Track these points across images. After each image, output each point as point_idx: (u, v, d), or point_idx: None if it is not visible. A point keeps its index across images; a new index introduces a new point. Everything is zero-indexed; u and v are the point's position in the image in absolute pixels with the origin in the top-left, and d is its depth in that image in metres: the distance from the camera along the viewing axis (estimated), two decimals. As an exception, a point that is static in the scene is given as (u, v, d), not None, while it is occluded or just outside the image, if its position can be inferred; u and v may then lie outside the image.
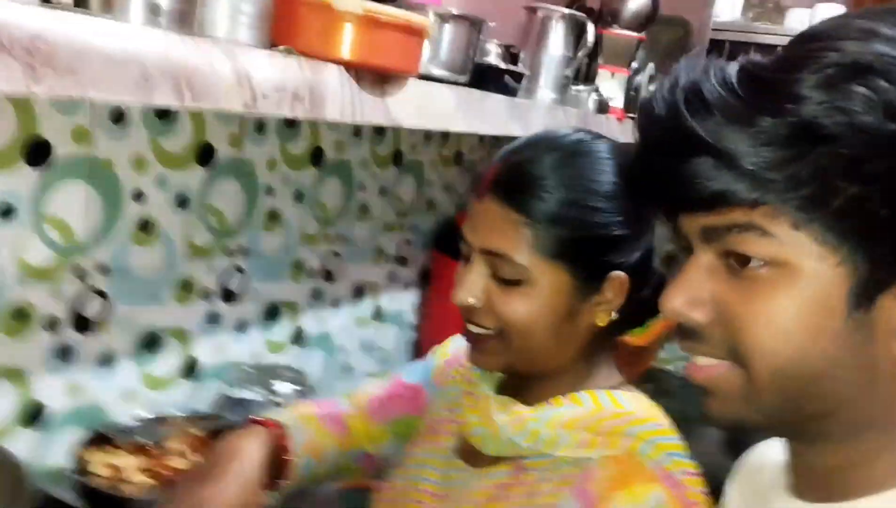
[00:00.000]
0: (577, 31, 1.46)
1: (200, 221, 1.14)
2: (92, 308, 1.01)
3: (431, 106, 1.07)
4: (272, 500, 0.79)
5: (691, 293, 0.49)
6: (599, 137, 0.76)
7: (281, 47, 0.84)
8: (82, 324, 1.01)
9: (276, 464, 0.78)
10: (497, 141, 1.12)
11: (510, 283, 0.69)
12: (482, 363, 0.74)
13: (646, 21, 1.70)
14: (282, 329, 1.34)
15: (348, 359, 1.52)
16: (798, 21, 1.74)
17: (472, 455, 0.76)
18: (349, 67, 0.87)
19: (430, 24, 0.96)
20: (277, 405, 1.17)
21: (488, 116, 1.22)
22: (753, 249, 0.46)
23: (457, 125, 1.14)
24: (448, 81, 1.14)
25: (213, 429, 0.99)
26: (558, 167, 0.70)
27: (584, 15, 1.47)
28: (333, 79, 0.86)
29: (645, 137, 0.51)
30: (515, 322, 0.69)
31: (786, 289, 0.46)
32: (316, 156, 1.32)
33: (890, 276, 0.45)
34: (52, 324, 0.97)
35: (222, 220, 1.17)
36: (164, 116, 1.04)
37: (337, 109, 0.88)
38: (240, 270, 1.23)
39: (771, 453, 0.66)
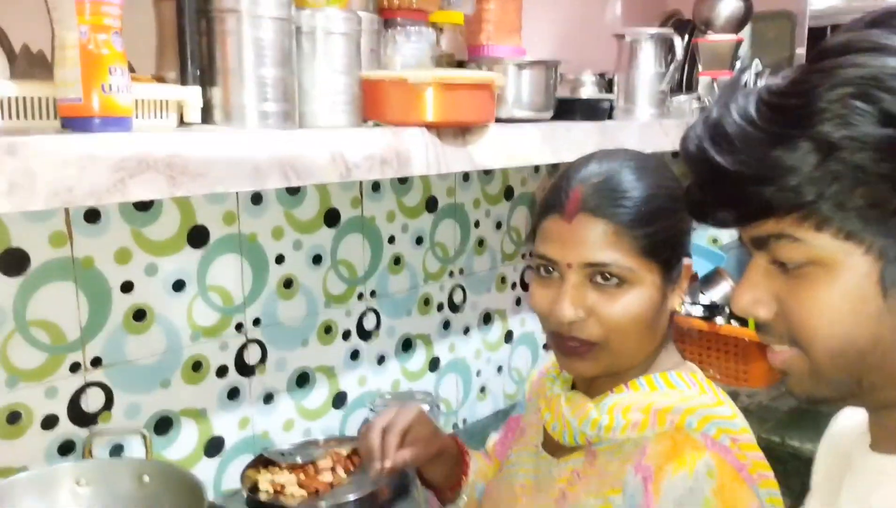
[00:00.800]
0: (666, 47, 1.51)
1: (334, 273, 1.33)
2: (252, 356, 1.22)
3: (514, 146, 1.18)
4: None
5: (754, 293, 0.56)
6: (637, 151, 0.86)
7: (369, 122, 1.00)
8: (246, 369, 1.22)
9: (454, 466, 0.95)
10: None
11: (612, 289, 0.76)
12: (580, 371, 0.80)
13: (741, 22, 1.71)
14: (417, 359, 1.50)
15: (484, 381, 1.65)
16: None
17: (554, 447, 0.85)
18: (430, 127, 1.02)
19: (498, 78, 1.08)
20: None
21: (576, 143, 1.31)
22: (789, 254, 0.53)
23: (543, 158, 1.25)
24: (532, 120, 1.25)
25: (356, 448, 1.16)
26: (638, 178, 0.78)
27: (670, 31, 1.52)
28: (416, 140, 1.00)
29: (688, 168, 0.58)
30: (623, 322, 0.76)
31: (826, 283, 0.52)
32: (430, 203, 1.48)
33: None
34: (222, 371, 1.18)
35: (352, 270, 1.35)
36: (294, 192, 1.25)
37: (423, 164, 1.02)
38: (374, 310, 1.40)
39: (853, 419, 0.71)
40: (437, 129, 1.03)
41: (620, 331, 0.76)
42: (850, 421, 0.71)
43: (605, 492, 0.76)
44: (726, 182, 0.53)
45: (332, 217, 1.30)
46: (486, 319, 1.64)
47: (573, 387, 0.86)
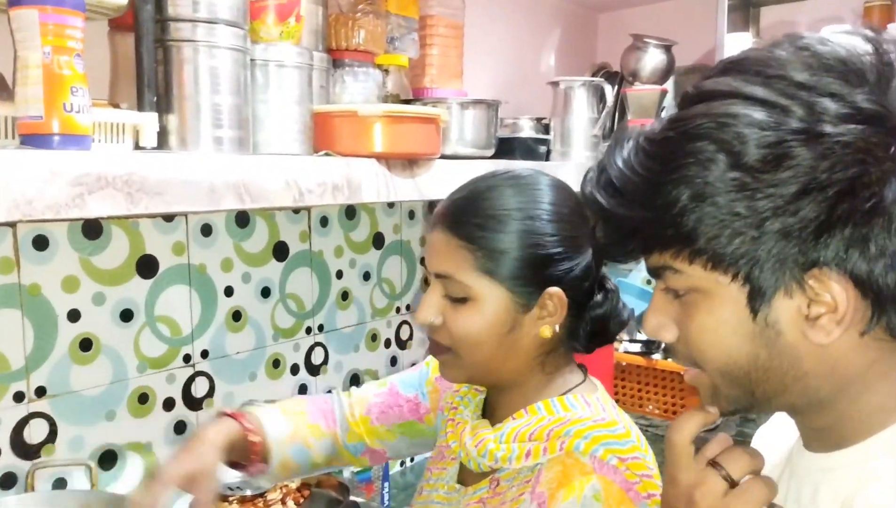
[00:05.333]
0: (597, 95, 1.62)
1: (282, 306, 1.34)
2: (200, 389, 1.21)
3: (460, 179, 1.23)
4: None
5: (658, 318, 0.61)
6: (542, 173, 0.85)
7: (321, 152, 1.04)
8: (193, 402, 1.20)
9: (244, 447, 0.86)
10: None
11: (458, 301, 0.78)
12: (447, 377, 0.83)
13: (665, 74, 1.84)
14: (365, 396, 1.51)
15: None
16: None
17: (466, 475, 0.85)
18: (379, 157, 1.06)
19: (443, 113, 1.14)
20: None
21: (517, 181, 1.38)
22: (675, 283, 0.58)
23: (486, 193, 1.31)
24: (474, 157, 1.31)
25: (305, 481, 1.15)
26: (489, 198, 0.80)
27: (600, 80, 1.63)
28: (367, 169, 1.04)
29: (588, 210, 0.63)
30: (463, 337, 0.78)
31: (706, 309, 0.58)
32: (377, 239, 1.51)
33: (769, 285, 0.55)
34: (168, 404, 1.17)
35: (300, 304, 1.37)
36: (244, 224, 1.26)
37: (373, 192, 1.06)
38: (322, 345, 1.41)
39: (776, 428, 0.76)
40: (387, 160, 1.08)
41: (464, 343, 0.78)
42: (774, 430, 0.76)
43: None
44: (614, 223, 0.59)
45: (280, 250, 1.32)
46: (433, 356, 1.66)
47: (484, 411, 0.87)
